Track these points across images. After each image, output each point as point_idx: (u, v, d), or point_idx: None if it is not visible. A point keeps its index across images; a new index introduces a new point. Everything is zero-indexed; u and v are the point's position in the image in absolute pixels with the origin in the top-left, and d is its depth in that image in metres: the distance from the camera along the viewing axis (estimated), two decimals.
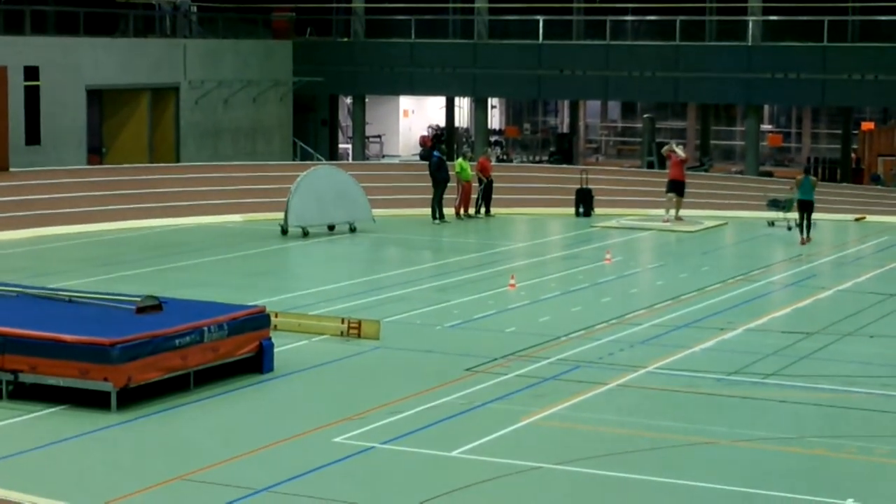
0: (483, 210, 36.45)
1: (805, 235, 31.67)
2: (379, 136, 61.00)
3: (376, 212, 33.55)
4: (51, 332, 16.21)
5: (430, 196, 35.08)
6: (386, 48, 50.92)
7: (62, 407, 15.95)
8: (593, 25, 50.54)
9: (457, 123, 61.32)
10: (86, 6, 42.20)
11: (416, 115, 63.95)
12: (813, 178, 32.87)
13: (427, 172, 35.63)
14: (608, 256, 28.66)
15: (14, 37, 39.29)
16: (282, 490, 13.01)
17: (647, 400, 16.82)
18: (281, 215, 32.19)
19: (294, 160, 47.52)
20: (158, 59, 43.26)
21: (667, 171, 36.73)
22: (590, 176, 38.55)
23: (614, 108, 65.42)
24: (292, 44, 49.35)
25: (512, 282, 24.93)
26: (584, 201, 36.92)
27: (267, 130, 47.44)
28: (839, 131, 55.44)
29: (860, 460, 14.30)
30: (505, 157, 57.99)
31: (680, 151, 35.24)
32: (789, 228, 34.04)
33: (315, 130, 53.50)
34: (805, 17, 47.04)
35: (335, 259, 29.26)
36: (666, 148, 36.49)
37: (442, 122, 61.27)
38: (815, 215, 32.58)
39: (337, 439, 14.72)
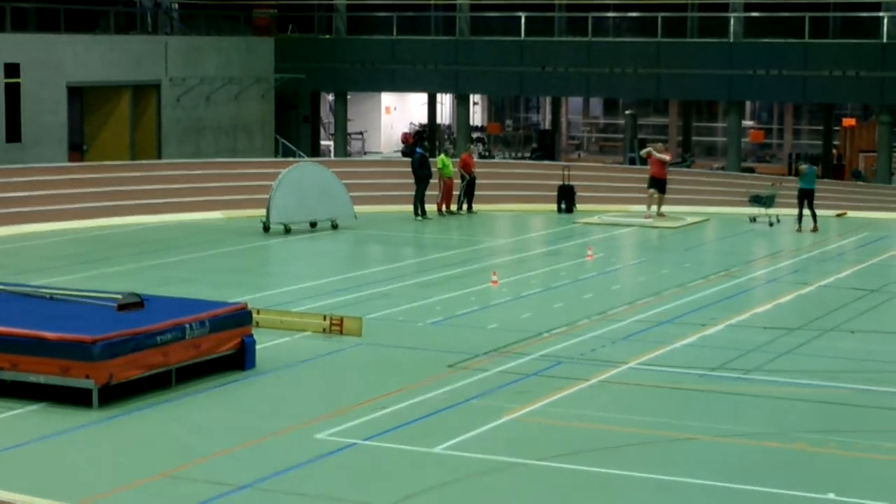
0: (465, 206, 36.47)
1: (813, 224, 32.82)
2: (361, 133, 60.95)
3: (358, 208, 33.53)
4: (32, 329, 16.17)
5: (413, 193, 35.08)
6: (368, 45, 50.85)
7: (43, 404, 15.91)
8: (575, 22, 50.57)
9: (439, 120, 61.29)
10: (67, 3, 42.08)
11: (398, 112, 63.88)
12: (816, 168, 33.91)
13: (409, 169, 35.62)
14: (590, 253, 28.71)
15: None
16: (264, 487, 13.00)
17: (628, 396, 16.84)
18: (263, 212, 32.17)
19: (276, 157, 47.42)
20: (140, 55, 43.13)
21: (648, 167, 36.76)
22: (572, 172, 38.60)
23: (596, 104, 65.47)
24: (274, 40, 49.26)
25: (494, 278, 24.94)
26: (566, 198, 36.97)
27: (249, 127, 47.33)
28: (821, 127, 55.55)
29: (841, 455, 14.34)
30: (487, 154, 57.98)
31: (661, 155, 35.17)
32: (771, 224, 34.18)
33: (297, 127, 53.41)
34: (786, 14, 47.11)
35: (317, 256, 29.23)
36: (645, 151, 36.62)
37: (424, 119, 61.25)
38: (795, 211, 33.18)
39: (319, 436, 14.71)
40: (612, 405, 16.30)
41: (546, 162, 50.28)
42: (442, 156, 36.53)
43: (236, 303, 18.67)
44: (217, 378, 17.29)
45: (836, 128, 54.68)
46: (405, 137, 60.75)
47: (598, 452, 14.28)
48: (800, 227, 32.93)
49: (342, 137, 53.08)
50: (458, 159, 37.38)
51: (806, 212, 33.02)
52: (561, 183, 37.39)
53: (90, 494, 12.67)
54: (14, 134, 39.22)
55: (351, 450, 14.28)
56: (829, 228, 34.06)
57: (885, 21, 45.02)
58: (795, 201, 33.52)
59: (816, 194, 33.67)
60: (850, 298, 23.77)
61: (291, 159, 41.70)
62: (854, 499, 12.87)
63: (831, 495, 12.94)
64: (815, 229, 32.77)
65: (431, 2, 53.47)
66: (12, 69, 39.09)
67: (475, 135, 58.91)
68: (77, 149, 42.13)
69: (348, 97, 54.30)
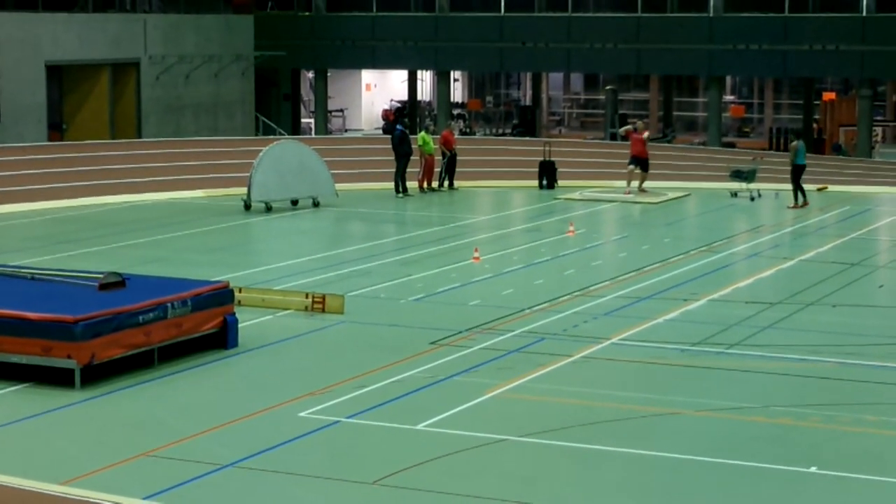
0: (446, 183, 36.44)
1: (804, 199, 32.52)
2: (341, 111, 60.87)
3: (339, 186, 33.48)
4: (13, 309, 16.11)
5: (393, 170, 35.04)
6: (347, 22, 50.76)
7: (25, 385, 15.88)
8: None
9: (419, 97, 61.24)
10: None
11: (378, 89, 63.82)
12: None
13: (390, 146, 35.57)
14: (571, 228, 28.72)
15: None
16: (247, 465, 12.99)
17: (611, 371, 16.87)
18: (244, 190, 32.10)
19: (256, 135, 47.36)
20: (118, 34, 42.97)
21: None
22: (553, 148, 38.59)
23: (577, 80, 65.50)
24: (254, 18, 49.12)
25: (476, 255, 24.94)
26: (548, 174, 36.96)
27: (229, 105, 47.22)
28: (801, 102, 55.65)
29: (823, 428, 14.39)
30: (468, 131, 57.96)
31: (640, 135, 35.15)
32: (752, 199, 34.21)
33: (277, 105, 53.32)
34: None
35: (299, 234, 29.20)
36: (623, 129, 36.60)
37: (404, 96, 61.17)
38: (775, 186, 33.19)
39: (302, 414, 14.71)
40: (594, 381, 16.33)
41: (527, 138, 50.31)
42: (422, 133, 36.50)
43: (218, 281, 18.63)
44: (199, 357, 17.27)
45: (817, 102, 54.78)
46: (386, 114, 60.68)
47: (581, 428, 14.31)
48: (806, 200, 32.89)
49: (323, 115, 53.03)
50: (438, 136, 37.35)
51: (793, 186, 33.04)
52: (542, 159, 37.36)
53: (73, 475, 12.65)
54: None
55: (334, 428, 14.28)
56: (809, 202, 34.08)
57: None
58: (775, 176, 33.52)
59: None
60: (830, 272, 23.82)
61: (272, 137, 41.63)
62: (836, 472, 12.92)
63: (814, 469, 12.99)
64: (795, 206, 32.72)
65: None
66: None
67: (456, 111, 58.88)
68: (56, 128, 41.99)
69: (328, 74, 54.22)
